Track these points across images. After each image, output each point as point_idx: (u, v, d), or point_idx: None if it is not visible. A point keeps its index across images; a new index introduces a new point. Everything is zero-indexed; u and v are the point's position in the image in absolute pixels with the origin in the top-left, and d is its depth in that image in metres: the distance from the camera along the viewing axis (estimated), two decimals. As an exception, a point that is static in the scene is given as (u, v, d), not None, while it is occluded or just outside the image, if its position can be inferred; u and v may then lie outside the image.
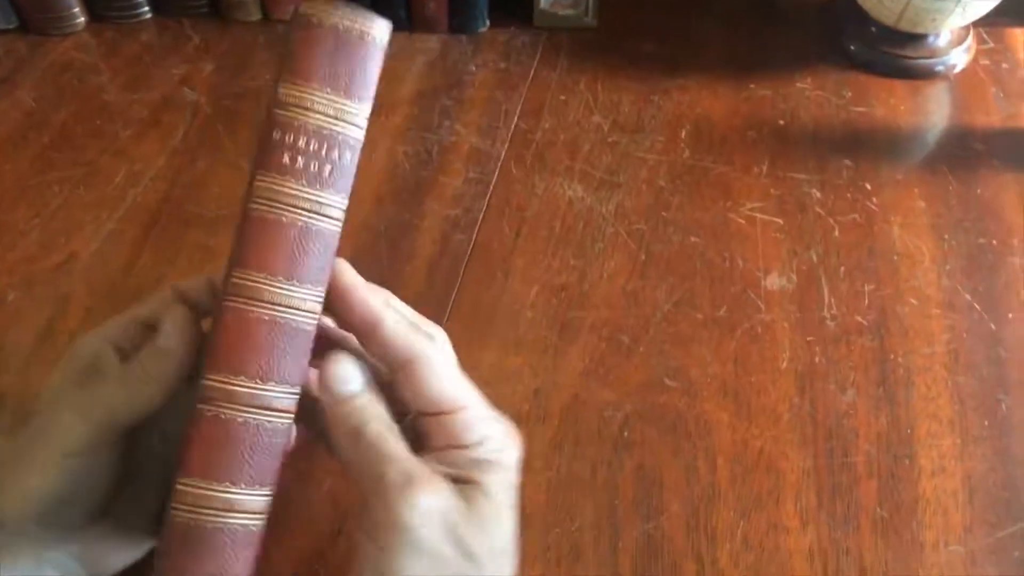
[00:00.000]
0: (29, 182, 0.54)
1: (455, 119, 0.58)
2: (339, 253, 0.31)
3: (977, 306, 0.48)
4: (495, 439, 0.32)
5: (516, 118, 0.58)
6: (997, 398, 0.44)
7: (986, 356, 0.46)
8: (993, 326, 0.47)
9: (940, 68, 0.60)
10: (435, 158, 0.55)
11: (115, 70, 0.61)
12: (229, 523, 0.28)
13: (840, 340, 0.46)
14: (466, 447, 0.31)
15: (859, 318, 0.47)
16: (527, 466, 0.42)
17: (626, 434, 0.43)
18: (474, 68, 0.62)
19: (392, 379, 0.32)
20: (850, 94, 0.60)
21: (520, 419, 0.43)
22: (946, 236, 0.51)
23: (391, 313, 0.31)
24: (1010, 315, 0.47)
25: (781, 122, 0.58)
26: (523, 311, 0.48)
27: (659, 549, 0.39)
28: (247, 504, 0.29)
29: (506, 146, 0.56)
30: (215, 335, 0.29)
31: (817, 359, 0.46)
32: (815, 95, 0.59)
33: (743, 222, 0.52)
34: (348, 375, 0.31)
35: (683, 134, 0.57)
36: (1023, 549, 0.39)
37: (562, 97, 0.59)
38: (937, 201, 0.53)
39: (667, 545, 0.40)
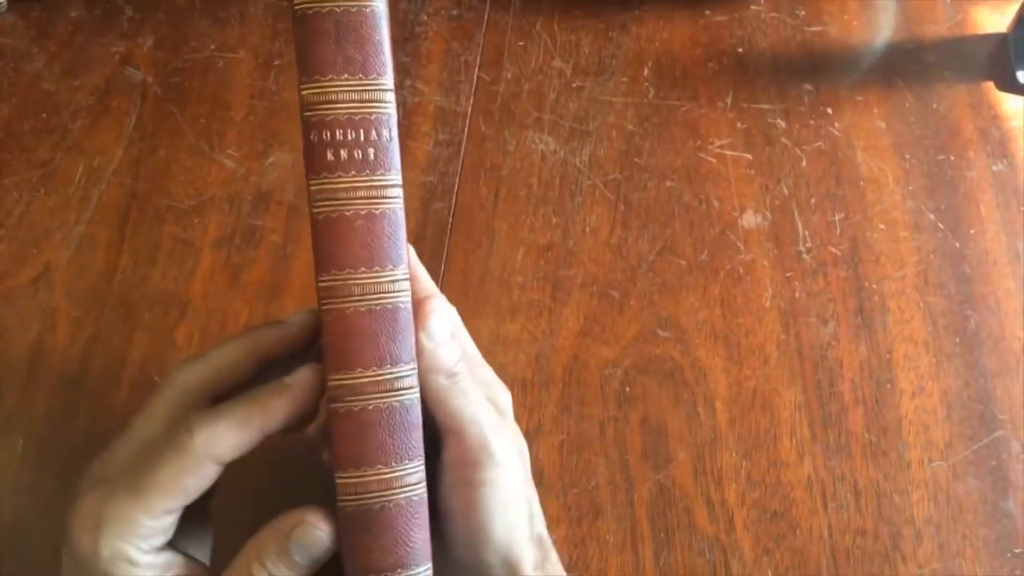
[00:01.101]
0: (-16, 189, 0.51)
1: (415, 77, 0.57)
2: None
3: (941, 225, 0.50)
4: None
5: (477, 70, 0.57)
6: (965, 314, 0.47)
7: (952, 274, 0.49)
8: (957, 243, 0.50)
9: (888, -23, 0.61)
10: (401, 121, 0.55)
11: (50, 54, 0.57)
12: (393, 498, 0.30)
13: (817, 273, 0.49)
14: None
15: (833, 249, 0.49)
16: (539, 431, 0.44)
17: (627, 389, 0.45)
18: (425, 18, 0.60)
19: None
20: (804, 13, 0.60)
21: (525, 385, 0.45)
22: (907, 156, 0.53)
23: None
24: (971, 231, 0.50)
25: (740, 50, 0.58)
26: (513, 276, 0.49)
27: (671, 497, 0.42)
28: (403, 479, 0.30)
29: (471, 101, 0.56)
30: (324, 340, 0.30)
31: (797, 294, 0.48)
32: (770, 17, 0.60)
33: (714, 161, 0.53)
34: (443, 325, 0.32)
35: (645, 72, 0.57)
36: (999, 458, 0.43)
37: (520, 43, 0.58)
38: (896, 120, 0.54)
39: (678, 492, 0.42)
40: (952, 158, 0.53)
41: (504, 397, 0.35)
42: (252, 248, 0.50)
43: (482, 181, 0.52)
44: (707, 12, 0.60)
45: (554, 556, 0.34)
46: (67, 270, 0.49)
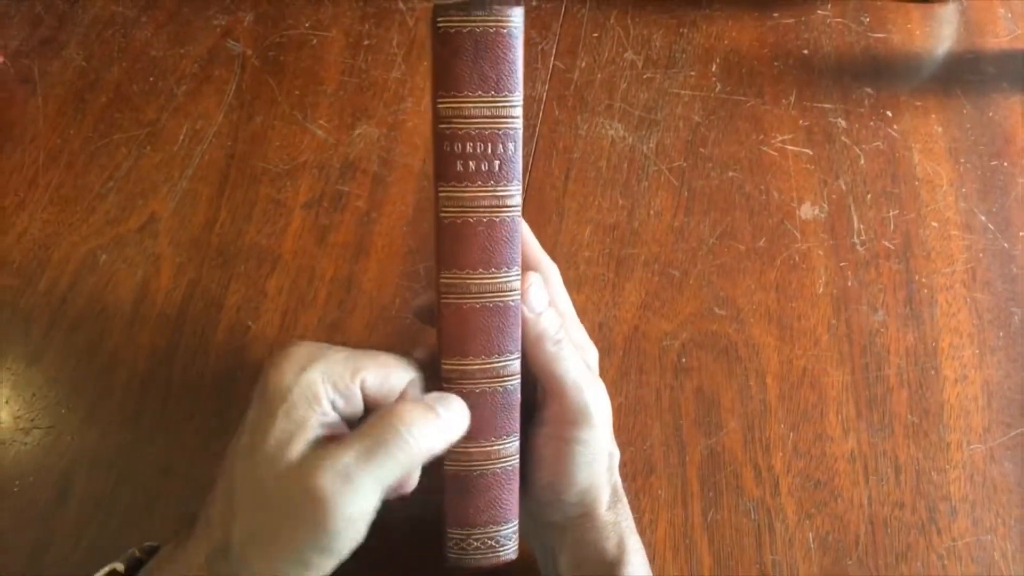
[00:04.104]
0: (96, 144, 0.56)
1: (495, 61, 0.60)
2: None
3: (991, 226, 0.53)
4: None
5: (553, 58, 0.60)
6: (1011, 311, 0.50)
7: (1000, 273, 0.51)
8: (1006, 244, 0.52)
9: (953, -11, 0.63)
10: (481, 102, 0.58)
11: (158, 23, 0.62)
12: (490, 468, 0.34)
13: (870, 264, 0.51)
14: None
15: (886, 243, 0.52)
16: (599, 394, 0.47)
17: (683, 360, 0.48)
18: (506, 7, 0.63)
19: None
20: (868, 19, 0.62)
21: (588, 351, 0.48)
22: (962, 160, 0.55)
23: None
24: (1021, 233, 0.52)
25: (805, 51, 0.61)
26: (580, 251, 0.52)
27: (721, 460, 0.45)
28: (501, 451, 0.34)
29: (546, 87, 0.59)
30: (441, 328, 0.34)
31: (850, 283, 0.51)
32: (836, 23, 0.62)
33: (776, 154, 0.56)
34: (541, 296, 0.35)
35: (713, 67, 0.60)
36: (1035, 445, 0.45)
37: (595, 34, 0.62)
38: (953, 126, 0.57)
39: (728, 456, 0.45)
40: (1005, 164, 0.55)
41: (594, 357, 0.39)
42: (338, 212, 0.53)
43: (554, 162, 0.56)
44: (775, 14, 0.63)
45: (624, 501, 0.38)
46: (171, 221, 0.53)
